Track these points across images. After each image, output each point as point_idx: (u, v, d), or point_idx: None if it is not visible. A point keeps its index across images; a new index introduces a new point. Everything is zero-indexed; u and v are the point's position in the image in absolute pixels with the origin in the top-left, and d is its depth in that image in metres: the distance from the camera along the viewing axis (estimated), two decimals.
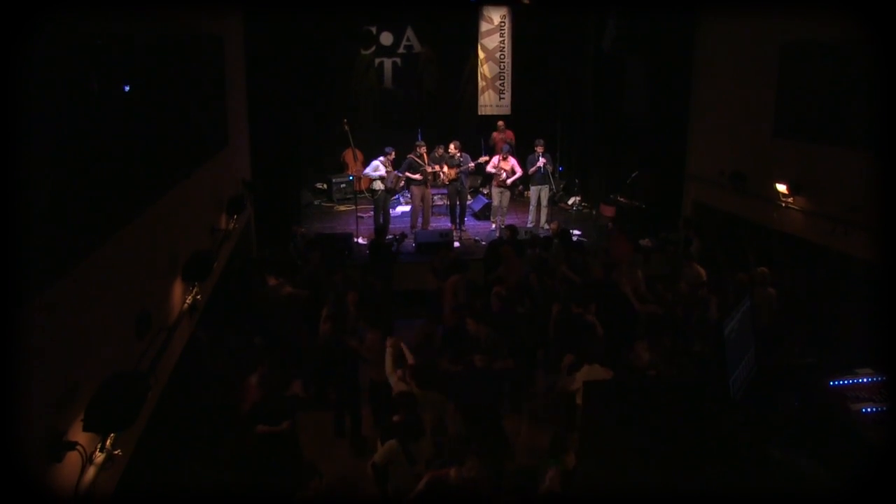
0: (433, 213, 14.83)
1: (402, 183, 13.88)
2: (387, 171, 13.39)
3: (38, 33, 3.60)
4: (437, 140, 14.57)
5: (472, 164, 14.13)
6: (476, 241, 13.70)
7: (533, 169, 13.90)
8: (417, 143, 13.97)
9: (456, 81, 17.34)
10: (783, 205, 10.67)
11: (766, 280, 9.54)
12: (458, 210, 14.30)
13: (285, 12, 12.62)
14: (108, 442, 4.13)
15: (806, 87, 10.33)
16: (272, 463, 6.80)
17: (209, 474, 6.75)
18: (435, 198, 15.19)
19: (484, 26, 16.44)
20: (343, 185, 16.24)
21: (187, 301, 6.77)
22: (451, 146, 14.16)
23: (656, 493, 2.93)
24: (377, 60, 16.79)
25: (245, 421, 6.95)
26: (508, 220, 13.84)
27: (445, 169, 13.97)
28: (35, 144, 3.72)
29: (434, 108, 17.19)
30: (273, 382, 7.39)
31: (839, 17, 9.12)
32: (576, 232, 13.97)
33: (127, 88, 5.50)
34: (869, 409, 4.49)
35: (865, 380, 4.47)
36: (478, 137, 16.20)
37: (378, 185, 13.43)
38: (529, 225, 14.05)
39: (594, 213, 15.69)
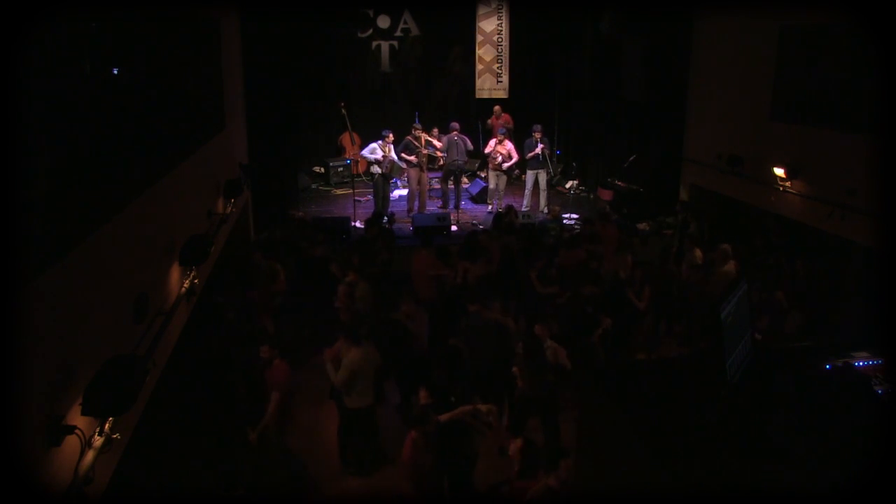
0: (429, 198, 14.80)
1: (404, 165, 13.83)
2: (383, 155, 13.35)
3: (34, 18, 3.57)
4: (434, 124, 14.51)
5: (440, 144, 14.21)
6: (474, 224, 13.69)
7: (531, 154, 13.88)
8: (415, 126, 13.94)
9: (453, 64, 17.22)
10: (780, 188, 10.67)
11: (727, 256, 9.44)
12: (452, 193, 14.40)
13: None
14: (106, 426, 4.14)
15: (804, 71, 10.30)
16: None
17: (208, 458, 6.78)
18: (433, 181, 15.15)
19: (482, 9, 16.32)
20: (340, 169, 16.21)
21: (185, 285, 6.77)
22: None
23: (656, 481, 2.95)
24: (374, 43, 16.67)
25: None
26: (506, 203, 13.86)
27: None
28: (31, 129, 3.69)
29: (431, 91, 17.10)
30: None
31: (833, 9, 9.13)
32: (573, 216, 13.97)
33: (115, 71, 5.44)
34: None
35: (862, 363, 4.49)
36: (475, 121, 16.14)
37: (375, 170, 13.40)
38: (524, 208, 14.03)
39: (592, 196, 15.68)
